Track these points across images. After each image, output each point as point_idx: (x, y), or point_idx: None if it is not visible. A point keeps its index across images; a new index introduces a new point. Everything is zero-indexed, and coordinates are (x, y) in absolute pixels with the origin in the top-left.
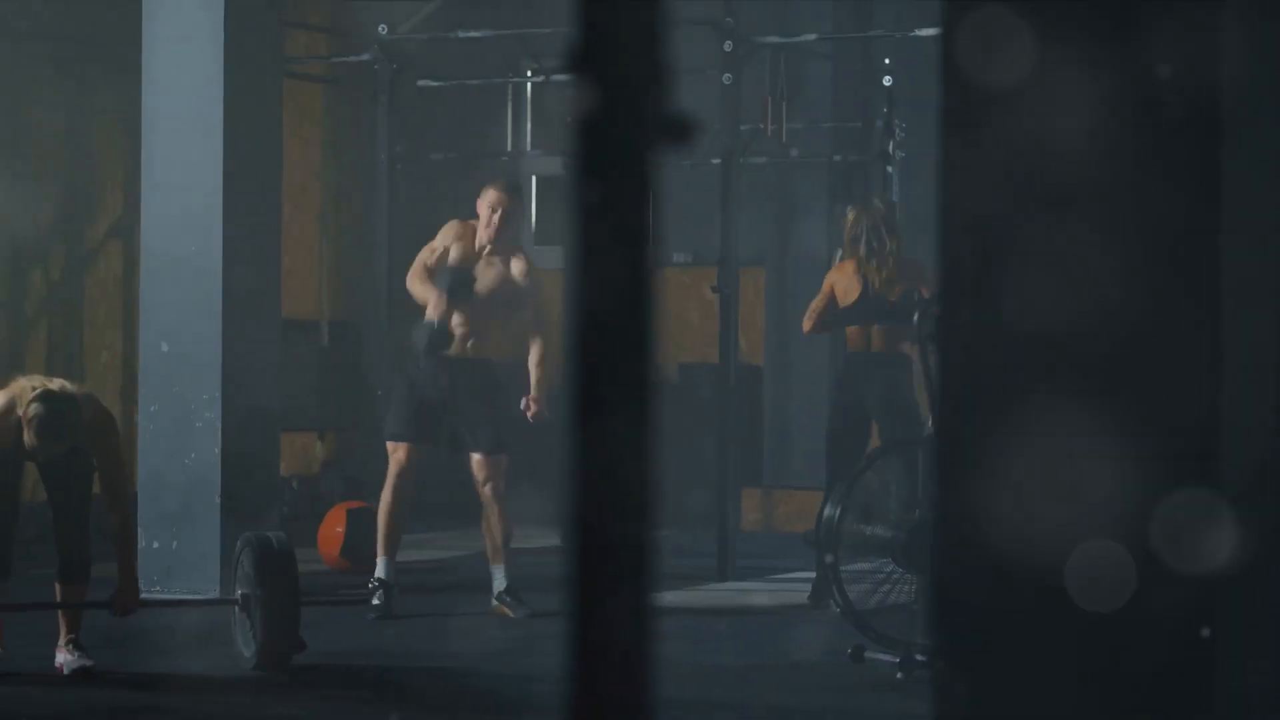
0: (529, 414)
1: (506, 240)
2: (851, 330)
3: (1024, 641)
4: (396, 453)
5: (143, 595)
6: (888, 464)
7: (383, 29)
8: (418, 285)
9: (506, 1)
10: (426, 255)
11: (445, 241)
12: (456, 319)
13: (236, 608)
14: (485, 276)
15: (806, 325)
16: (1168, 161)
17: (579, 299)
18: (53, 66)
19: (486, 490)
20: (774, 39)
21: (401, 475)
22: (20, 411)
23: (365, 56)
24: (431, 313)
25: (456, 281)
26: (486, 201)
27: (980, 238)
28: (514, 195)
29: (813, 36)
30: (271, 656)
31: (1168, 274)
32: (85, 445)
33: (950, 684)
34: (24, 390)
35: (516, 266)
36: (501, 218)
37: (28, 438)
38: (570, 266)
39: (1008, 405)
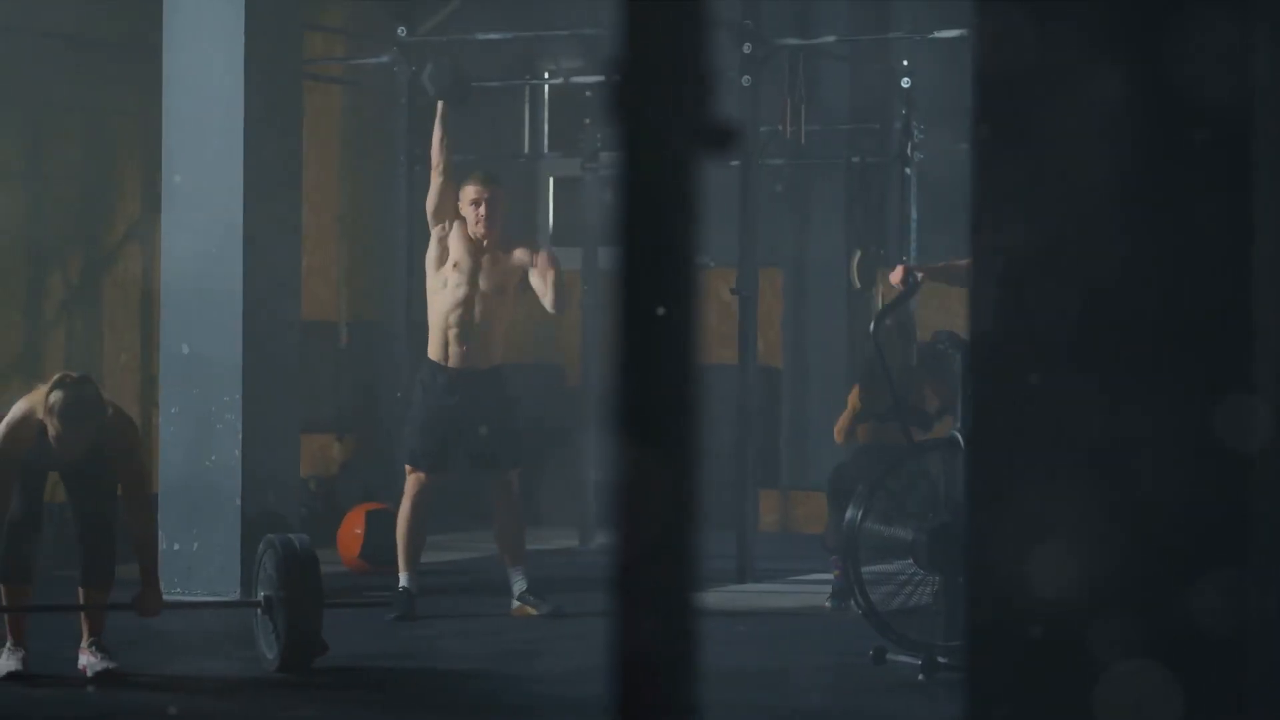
0: (550, 303)
1: (499, 231)
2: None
3: (1064, 662)
4: (415, 474)
5: (165, 598)
6: (911, 466)
7: (402, 31)
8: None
9: (524, 3)
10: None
11: (439, 235)
12: (458, 330)
13: (259, 610)
14: (491, 276)
15: (839, 439)
16: (1202, 159)
17: (623, 304)
18: (71, 67)
19: (502, 503)
20: (793, 41)
21: (419, 495)
22: (41, 412)
23: (384, 58)
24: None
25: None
26: (467, 198)
27: (1011, 237)
28: (492, 185)
29: (832, 38)
30: (294, 659)
31: (1202, 273)
32: (106, 445)
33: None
34: (43, 394)
35: (519, 252)
36: (486, 209)
37: (51, 427)
38: (616, 272)
39: (1040, 406)
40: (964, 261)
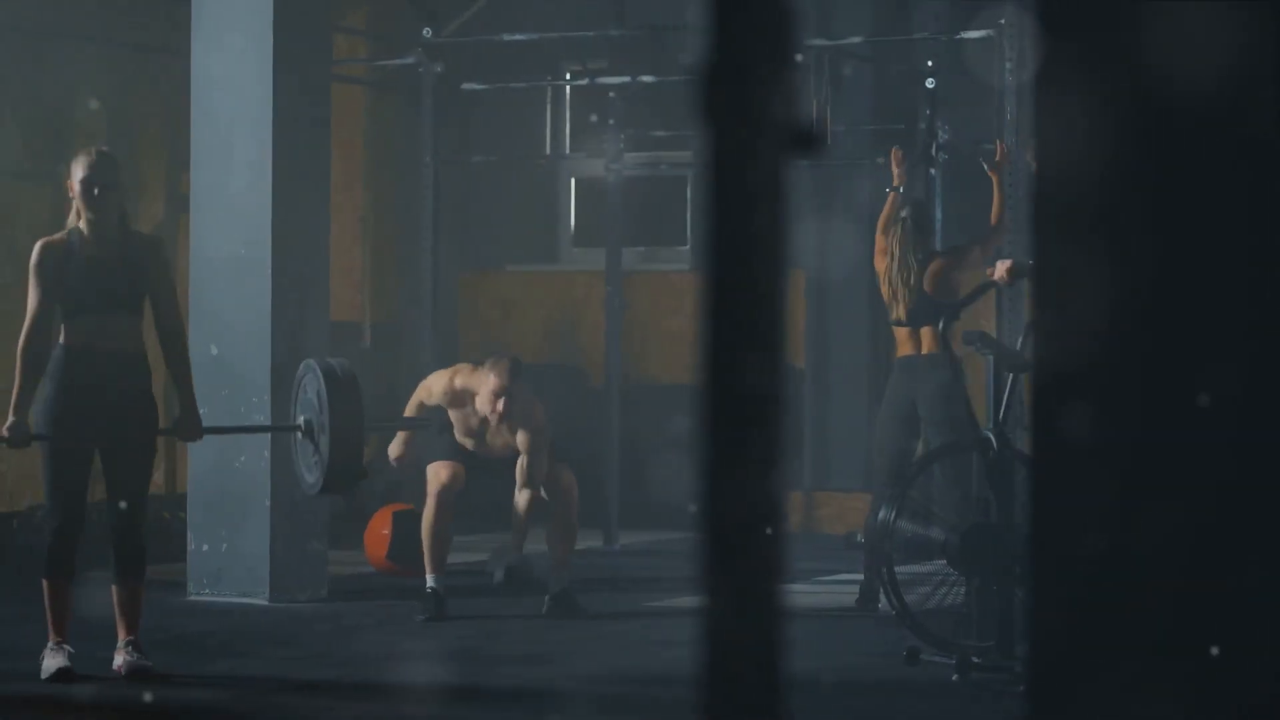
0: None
1: (510, 424)
2: (901, 333)
3: (1127, 657)
4: (439, 472)
5: (194, 596)
6: (942, 466)
7: (427, 32)
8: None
9: (549, 3)
10: (423, 395)
11: (435, 397)
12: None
13: (298, 434)
14: (494, 444)
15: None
16: None
17: (711, 306)
18: (95, 68)
19: (562, 500)
20: (819, 42)
21: (443, 493)
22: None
23: (409, 59)
24: (392, 450)
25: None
26: (488, 386)
27: (1074, 220)
28: (516, 378)
29: (858, 39)
30: (336, 481)
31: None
32: (137, 251)
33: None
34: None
35: (522, 438)
36: (505, 404)
37: (81, 175)
38: (704, 274)
39: (1106, 397)
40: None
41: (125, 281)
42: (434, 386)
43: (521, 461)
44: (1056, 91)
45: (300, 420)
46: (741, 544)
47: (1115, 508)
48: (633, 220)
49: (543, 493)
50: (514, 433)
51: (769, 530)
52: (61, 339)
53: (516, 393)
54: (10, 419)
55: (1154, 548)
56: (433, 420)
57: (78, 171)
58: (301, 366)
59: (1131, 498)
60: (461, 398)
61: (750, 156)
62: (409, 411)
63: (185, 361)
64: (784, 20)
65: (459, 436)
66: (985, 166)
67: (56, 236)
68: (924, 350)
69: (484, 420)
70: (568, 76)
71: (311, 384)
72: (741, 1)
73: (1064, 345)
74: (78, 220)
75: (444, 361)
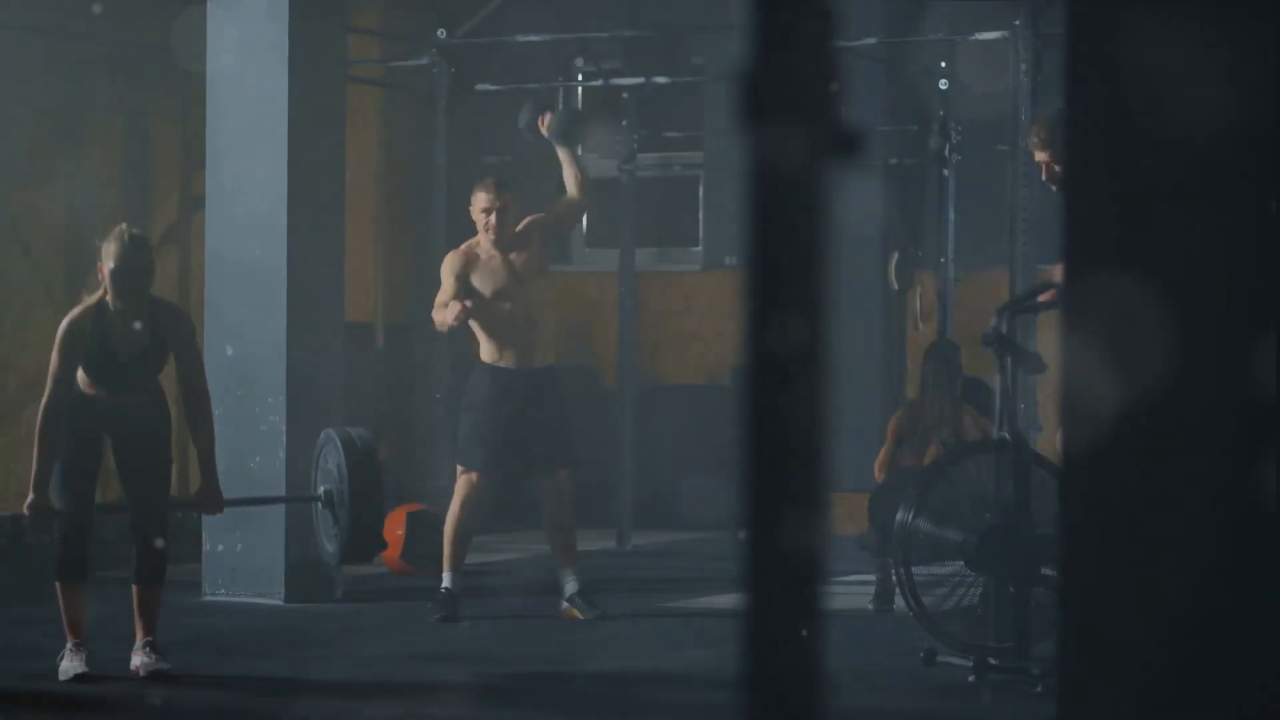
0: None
1: (510, 236)
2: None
3: (1163, 662)
4: (471, 478)
5: (209, 597)
6: (960, 468)
7: (441, 33)
8: (439, 314)
9: (559, 4)
10: (443, 296)
11: (453, 273)
12: (511, 334)
13: (319, 504)
14: (527, 265)
15: (878, 474)
16: None
17: (754, 309)
18: (110, 71)
19: (556, 502)
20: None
21: (470, 497)
22: (102, 268)
23: (423, 60)
24: (451, 318)
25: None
26: (477, 206)
27: (1108, 225)
28: (501, 190)
29: (872, 40)
30: (355, 552)
31: None
32: (162, 325)
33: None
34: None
35: (529, 221)
36: (497, 216)
37: (111, 270)
38: (747, 277)
39: (1140, 401)
40: (1049, 295)
41: (150, 360)
42: (449, 265)
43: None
44: (1086, 98)
45: (320, 491)
46: (783, 546)
47: (1144, 519)
48: (645, 221)
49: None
50: (527, 232)
51: (810, 535)
52: (79, 385)
53: (506, 208)
54: (30, 496)
55: (1182, 560)
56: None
57: (109, 261)
58: (322, 436)
59: (1160, 510)
60: (462, 261)
61: (793, 159)
62: (444, 292)
63: (209, 430)
64: (825, 23)
65: (492, 347)
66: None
67: (82, 313)
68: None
69: (504, 259)
70: (579, 77)
71: (332, 456)
72: (784, 4)
73: (1093, 355)
74: (105, 295)
75: (457, 363)
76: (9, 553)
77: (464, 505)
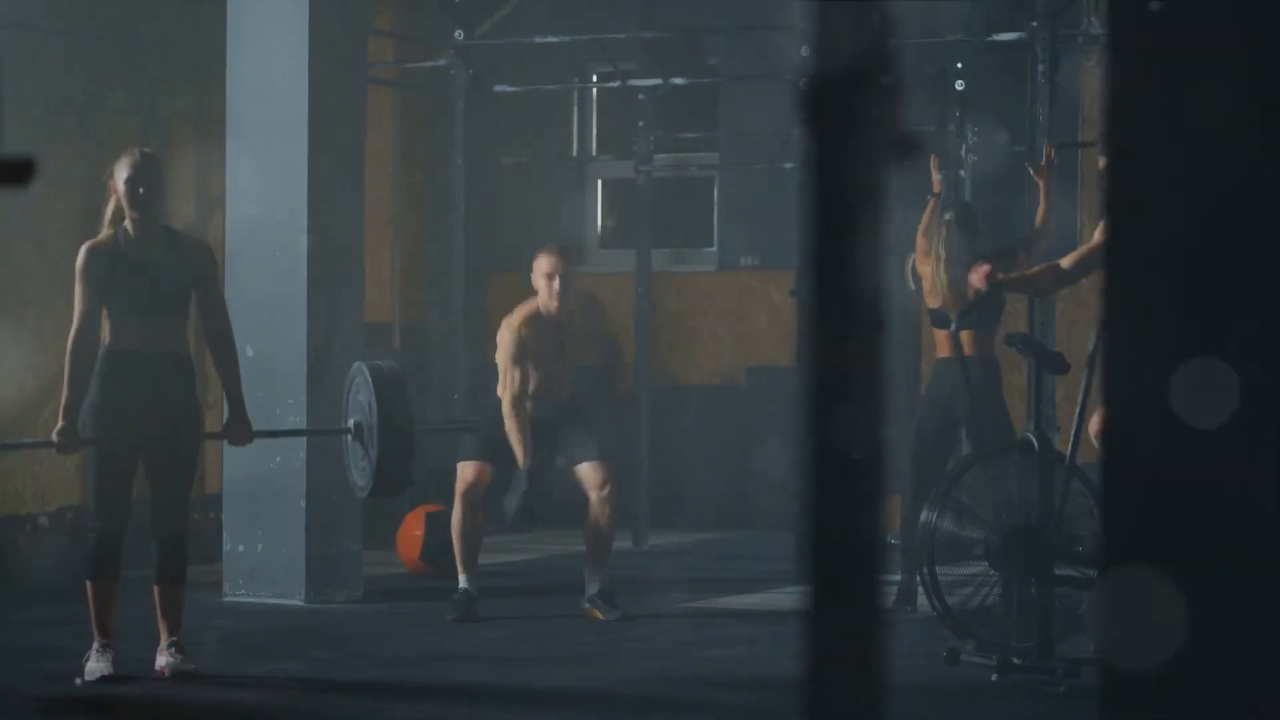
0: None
1: (570, 302)
2: (940, 335)
3: (1203, 663)
4: (465, 471)
5: (230, 597)
6: (983, 468)
7: (459, 34)
8: (513, 425)
9: (576, 5)
10: (516, 387)
11: (510, 352)
12: (540, 392)
13: (348, 436)
14: (574, 344)
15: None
16: None
17: (814, 313)
18: (125, 70)
19: (598, 496)
20: None
21: (468, 493)
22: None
23: (441, 61)
24: (521, 462)
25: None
26: (542, 270)
27: (1149, 242)
28: (567, 258)
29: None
30: (385, 485)
31: None
32: (184, 255)
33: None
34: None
35: (578, 321)
36: (561, 282)
37: (126, 174)
38: (808, 277)
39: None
40: (1036, 270)
41: (172, 284)
42: (502, 340)
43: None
44: (1133, 107)
45: (350, 423)
46: (844, 547)
47: (1188, 527)
48: (660, 222)
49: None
50: (573, 320)
51: (870, 532)
52: (107, 340)
53: (569, 275)
54: (60, 424)
55: (1225, 559)
56: (481, 422)
57: (121, 173)
58: (352, 369)
59: (1204, 519)
60: (527, 330)
61: (849, 162)
62: (516, 386)
63: (234, 365)
64: (885, 28)
65: (532, 389)
66: (1031, 171)
67: (102, 239)
68: (966, 352)
69: (552, 338)
70: (594, 78)
71: (362, 387)
72: (845, 10)
73: (1139, 360)
74: (122, 222)
75: (473, 363)
76: (30, 553)
77: (465, 504)
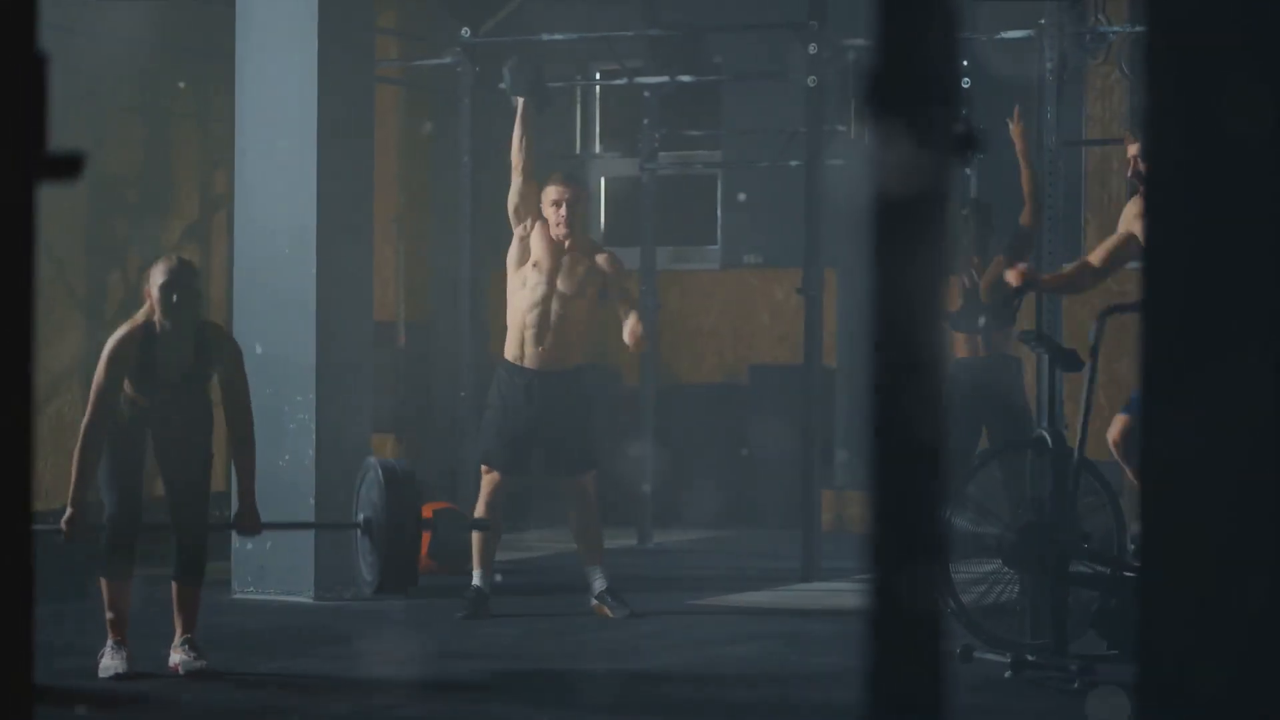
0: (632, 344)
1: (580, 232)
2: (959, 337)
3: (1244, 665)
4: (490, 474)
5: (238, 594)
6: (998, 465)
7: (465, 32)
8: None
9: (580, 2)
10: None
11: (522, 239)
12: (535, 331)
13: (358, 532)
14: (571, 276)
15: None
16: None
17: (879, 306)
18: (130, 70)
19: (580, 504)
20: (859, 41)
21: (493, 496)
22: (141, 313)
23: (448, 59)
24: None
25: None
26: (549, 198)
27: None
28: (574, 184)
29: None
30: (393, 581)
31: None
32: (209, 349)
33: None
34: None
35: (601, 259)
36: (569, 209)
37: (158, 295)
38: (871, 273)
39: (1221, 403)
40: (1071, 269)
41: (195, 380)
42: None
43: (617, 301)
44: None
45: (360, 518)
46: (909, 541)
47: (1228, 517)
48: (662, 219)
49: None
50: (592, 256)
51: (934, 528)
52: (125, 391)
53: (576, 201)
54: (69, 511)
55: (1268, 556)
56: (491, 523)
57: (156, 278)
58: (365, 464)
59: (1245, 507)
60: (527, 244)
61: (911, 158)
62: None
63: (250, 462)
64: (949, 23)
65: (515, 341)
66: (1009, 124)
67: (131, 331)
68: (980, 353)
69: (556, 245)
70: (597, 76)
71: (373, 484)
72: (909, 5)
73: (1175, 354)
74: (153, 317)
75: (478, 361)
76: (38, 551)
77: (488, 506)
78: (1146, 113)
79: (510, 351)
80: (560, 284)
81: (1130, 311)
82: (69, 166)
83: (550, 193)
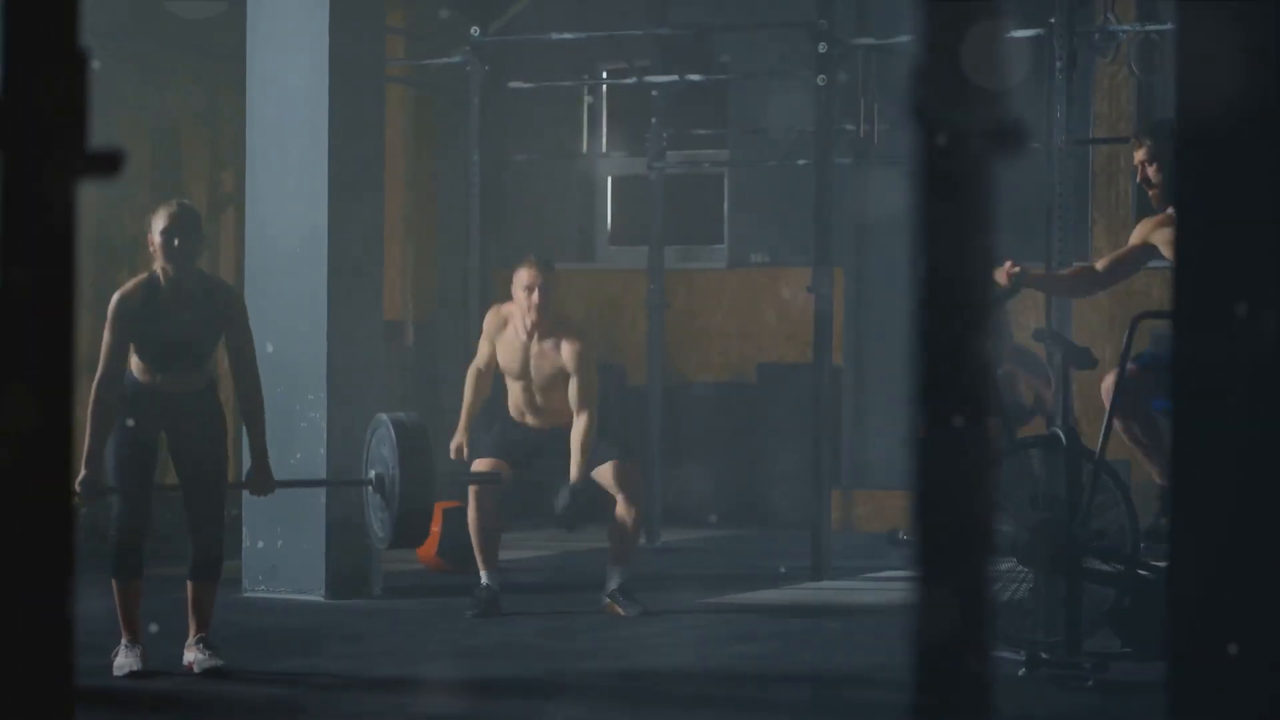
0: (578, 451)
1: (550, 317)
2: None
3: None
4: (479, 467)
5: (249, 593)
6: (1011, 462)
7: (475, 31)
8: (467, 390)
9: (588, 1)
10: (479, 359)
11: (490, 336)
12: (525, 409)
13: (369, 488)
14: (540, 367)
15: None
16: None
17: (923, 303)
18: (138, 69)
19: (623, 496)
20: (867, 40)
21: (482, 490)
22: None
23: (457, 58)
24: (456, 439)
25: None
26: (520, 283)
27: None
28: (545, 270)
29: (906, 38)
30: (405, 536)
31: None
32: (214, 301)
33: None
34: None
35: (567, 350)
36: (539, 295)
37: (161, 237)
38: (917, 269)
39: (1252, 388)
40: (1067, 271)
41: (200, 335)
42: (486, 325)
43: (572, 385)
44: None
45: (371, 474)
46: (955, 539)
47: (1256, 505)
48: (669, 218)
49: (615, 482)
50: (558, 348)
51: (982, 526)
52: (132, 375)
53: (549, 287)
54: (82, 473)
55: None
56: (500, 477)
57: (158, 224)
58: (374, 420)
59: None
60: (503, 325)
61: (957, 154)
62: (479, 359)
63: (260, 414)
64: (992, 19)
65: (511, 406)
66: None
67: (131, 287)
68: None
69: (526, 345)
70: (604, 75)
71: (384, 439)
72: (952, 2)
73: (1210, 353)
74: (157, 269)
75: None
76: None
77: (477, 500)
78: (1179, 104)
79: (510, 409)
80: (535, 379)
81: (1161, 318)
82: (109, 163)
83: (522, 277)
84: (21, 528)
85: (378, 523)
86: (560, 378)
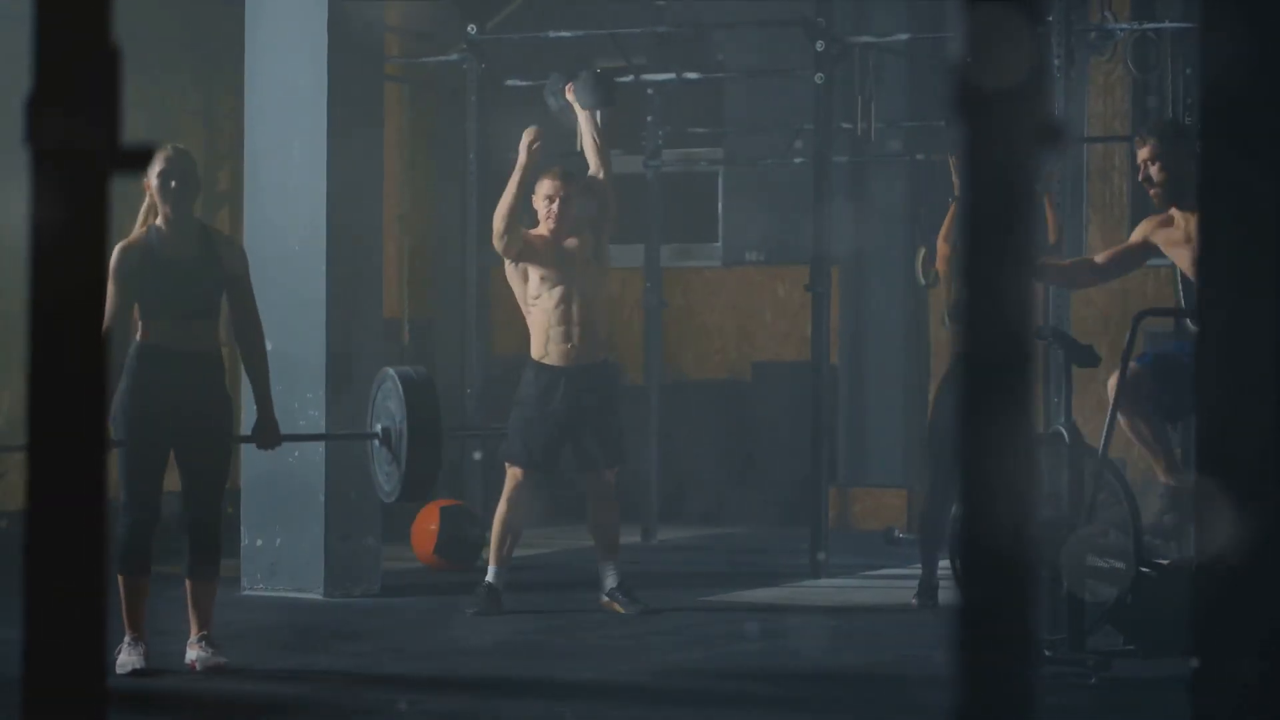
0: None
1: (572, 224)
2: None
3: None
4: (516, 473)
5: (248, 591)
6: None
7: (472, 29)
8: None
9: (586, 0)
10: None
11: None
12: (560, 326)
13: (376, 441)
14: (565, 271)
15: None
16: None
17: (968, 301)
18: (135, 68)
19: (599, 499)
20: (865, 39)
21: (517, 492)
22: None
23: (454, 56)
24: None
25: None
26: (541, 193)
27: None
28: (567, 179)
29: (904, 36)
30: (413, 489)
31: None
32: (215, 250)
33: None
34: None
35: (584, 237)
36: (560, 205)
37: (159, 168)
38: (960, 266)
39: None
40: (1069, 262)
41: (204, 284)
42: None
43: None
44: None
45: (377, 428)
46: (1000, 536)
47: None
48: (666, 216)
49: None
50: (578, 237)
51: (1023, 518)
52: (138, 337)
53: (571, 194)
54: None
55: None
56: (514, 424)
57: (154, 167)
58: (380, 374)
59: None
60: (530, 246)
61: (1000, 151)
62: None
63: (264, 367)
64: (1032, 20)
65: (544, 337)
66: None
67: (134, 238)
68: None
69: (551, 244)
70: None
71: (391, 393)
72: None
73: (1235, 349)
74: (154, 219)
75: (483, 358)
76: None
77: (510, 502)
78: (1203, 97)
79: (536, 351)
80: (576, 283)
81: (1164, 316)
82: (141, 159)
83: (544, 186)
84: (56, 526)
85: (384, 477)
86: (598, 260)
